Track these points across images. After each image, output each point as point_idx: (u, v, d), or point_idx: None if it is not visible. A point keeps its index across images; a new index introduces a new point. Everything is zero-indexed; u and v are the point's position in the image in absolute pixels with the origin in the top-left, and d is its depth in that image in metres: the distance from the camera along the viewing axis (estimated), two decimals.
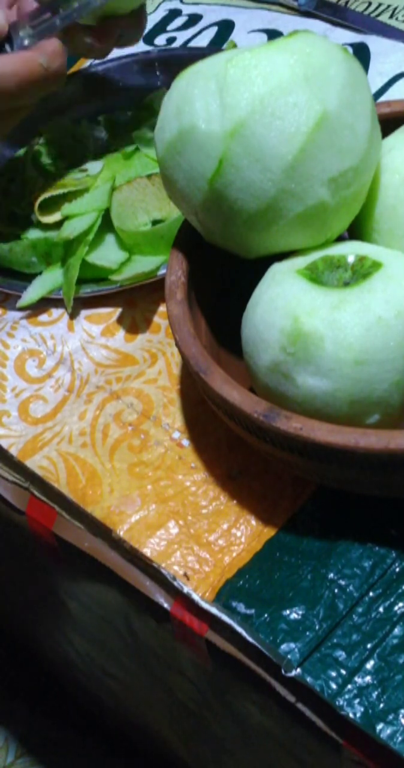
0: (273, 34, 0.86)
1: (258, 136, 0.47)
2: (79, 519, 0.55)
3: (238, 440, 0.53)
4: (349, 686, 0.44)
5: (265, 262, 0.51)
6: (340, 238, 0.52)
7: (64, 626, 0.72)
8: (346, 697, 0.44)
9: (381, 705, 0.44)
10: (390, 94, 0.77)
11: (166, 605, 0.51)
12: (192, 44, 0.87)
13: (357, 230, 0.53)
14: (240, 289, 0.52)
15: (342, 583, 0.48)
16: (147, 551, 0.51)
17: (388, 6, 0.87)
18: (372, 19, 0.85)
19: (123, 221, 0.65)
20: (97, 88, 0.81)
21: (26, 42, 0.60)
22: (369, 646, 0.46)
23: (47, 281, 0.65)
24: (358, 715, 0.44)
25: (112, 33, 0.66)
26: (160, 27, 0.90)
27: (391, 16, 0.85)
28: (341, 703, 0.44)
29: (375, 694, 0.44)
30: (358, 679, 0.45)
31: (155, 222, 0.66)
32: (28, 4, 0.62)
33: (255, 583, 0.49)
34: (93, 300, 0.65)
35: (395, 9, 0.86)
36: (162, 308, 0.64)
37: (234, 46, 0.82)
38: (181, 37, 0.89)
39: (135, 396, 0.58)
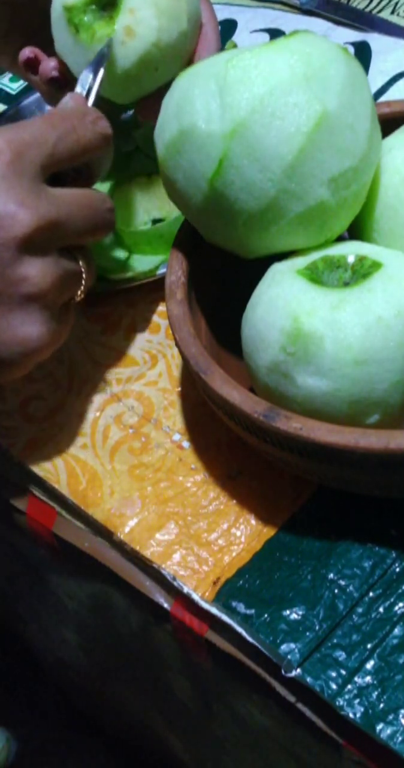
0: (275, 33, 0.86)
1: (258, 136, 0.47)
2: (79, 519, 0.55)
3: (238, 440, 0.53)
4: (349, 686, 0.44)
5: (265, 262, 0.51)
6: (340, 238, 0.52)
7: (64, 626, 0.72)
8: (346, 697, 0.44)
9: (381, 705, 0.44)
10: (391, 93, 0.77)
11: (166, 605, 0.51)
12: None
13: (357, 230, 0.53)
14: (240, 289, 0.52)
15: (342, 583, 0.48)
16: (147, 553, 0.51)
17: (390, 1, 0.87)
18: (373, 16, 0.85)
19: (123, 220, 0.65)
20: None
21: None
22: (369, 646, 0.46)
23: None
24: (358, 715, 0.44)
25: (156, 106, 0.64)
26: None
27: (393, 12, 0.85)
28: (341, 703, 0.44)
29: (375, 694, 0.44)
30: (358, 679, 0.45)
31: (155, 221, 0.66)
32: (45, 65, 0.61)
33: (255, 583, 0.49)
34: (92, 299, 0.65)
35: (396, 4, 0.86)
36: (161, 308, 0.64)
37: (235, 46, 0.81)
38: None
39: (136, 399, 0.58)
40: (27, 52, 0.61)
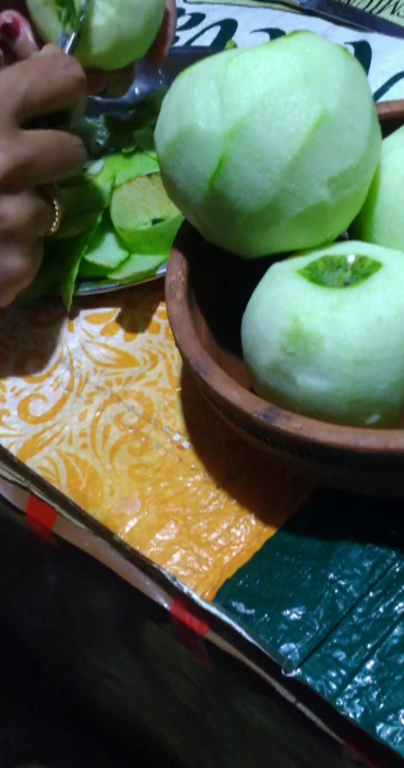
0: (275, 33, 0.86)
1: (258, 136, 0.47)
2: (79, 519, 0.55)
3: (238, 440, 0.53)
4: (349, 686, 0.44)
5: (265, 262, 0.51)
6: (340, 238, 0.52)
7: (64, 627, 0.72)
8: (346, 697, 0.44)
9: (381, 705, 0.44)
10: (391, 93, 0.77)
11: (166, 605, 0.51)
12: (195, 43, 0.88)
13: (357, 230, 0.53)
14: (240, 289, 0.52)
15: (342, 583, 0.48)
16: (147, 553, 0.51)
17: (390, 1, 0.87)
18: (373, 16, 0.86)
19: (123, 220, 0.65)
20: None
21: None
22: (369, 646, 0.46)
23: (46, 279, 0.65)
24: (358, 715, 0.44)
25: (96, 83, 0.65)
26: None
27: (393, 12, 0.86)
28: (341, 703, 0.44)
29: (375, 694, 0.44)
30: (358, 680, 0.45)
31: (155, 221, 0.66)
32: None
33: (255, 583, 0.49)
34: (92, 299, 0.65)
35: (396, 4, 0.86)
36: (161, 308, 0.64)
37: (234, 45, 0.81)
38: (184, 36, 0.89)
39: (136, 399, 0.58)
40: (4, 16, 0.61)
